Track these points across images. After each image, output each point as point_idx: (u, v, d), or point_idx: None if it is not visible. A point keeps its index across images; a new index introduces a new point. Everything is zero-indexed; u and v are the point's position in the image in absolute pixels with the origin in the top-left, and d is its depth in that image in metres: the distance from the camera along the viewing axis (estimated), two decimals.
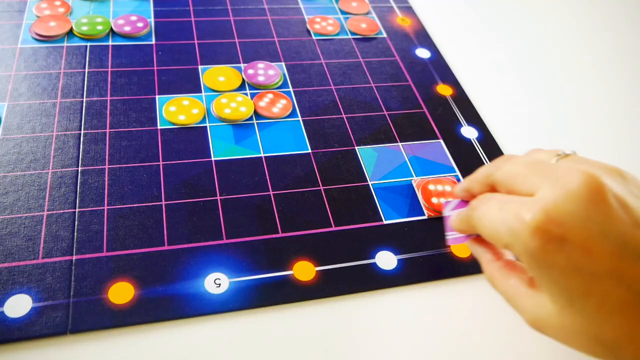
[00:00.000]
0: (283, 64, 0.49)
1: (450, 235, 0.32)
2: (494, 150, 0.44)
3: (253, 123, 0.43)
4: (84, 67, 0.45)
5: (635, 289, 0.22)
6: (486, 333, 0.33)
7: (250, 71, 0.47)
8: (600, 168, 0.25)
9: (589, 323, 0.23)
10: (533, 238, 0.23)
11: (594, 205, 0.23)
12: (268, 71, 0.48)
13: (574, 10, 0.64)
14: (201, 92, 0.45)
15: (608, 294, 0.22)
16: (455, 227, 0.31)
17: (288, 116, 0.44)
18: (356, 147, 0.43)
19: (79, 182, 0.37)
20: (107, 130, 0.41)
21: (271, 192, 0.38)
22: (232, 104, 0.44)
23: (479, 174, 0.30)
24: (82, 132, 0.40)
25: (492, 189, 0.29)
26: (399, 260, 0.35)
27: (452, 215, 0.32)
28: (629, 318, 0.22)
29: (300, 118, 0.44)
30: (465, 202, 0.32)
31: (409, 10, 0.59)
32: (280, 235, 0.36)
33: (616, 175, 0.25)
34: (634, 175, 0.26)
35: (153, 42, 0.49)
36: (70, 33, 0.49)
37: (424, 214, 0.38)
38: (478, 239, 0.31)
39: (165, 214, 0.36)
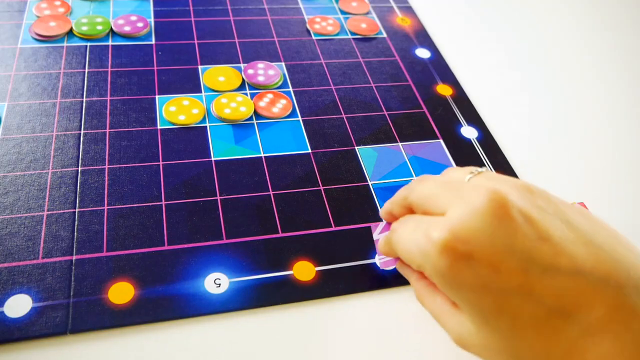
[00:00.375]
0: (283, 64, 0.49)
1: (381, 259, 0.33)
2: (494, 150, 0.44)
3: (253, 123, 0.43)
4: (84, 67, 0.45)
5: (545, 303, 0.22)
6: None
7: (250, 71, 0.47)
8: (507, 184, 0.25)
9: (506, 341, 0.23)
10: (441, 257, 0.23)
11: (499, 221, 0.23)
12: (268, 71, 0.48)
13: (574, 10, 0.64)
14: (201, 92, 0.45)
15: (519, 310, 0.22)
16: (381, 250, 0.31)
17: (288, 116, 0.44)
18: (356, 147, 0.43)
19: (79, 182, 0.37)
20: (107, 130, 0.41)
21: (271, 192, 0.38)
22: (232, 104, 0.44)
23: (397, 196, 0.30)
24: (82, 132, 0.40)
25: (411, 210, 0.29)
26: None
27: (380, 239, 0.32)
28: (542, 334, 0.22)
29: (300, 118, 0.44)
30: (390, 224, 0.32)
31: (409, 10, 0.59)
32: (280, 235, 0.36)
33: (523, 190, 0.25)
34: (542, 189, 0.26)
35: (153, 42, 0.49)
36: (70, 33, 0.49)
37: None
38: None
39: (165, 214, 0.36)
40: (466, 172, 0.28)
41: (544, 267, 0.22)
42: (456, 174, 0.28)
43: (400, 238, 0.27)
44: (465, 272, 0.23)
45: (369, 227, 0.37)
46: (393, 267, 0.33)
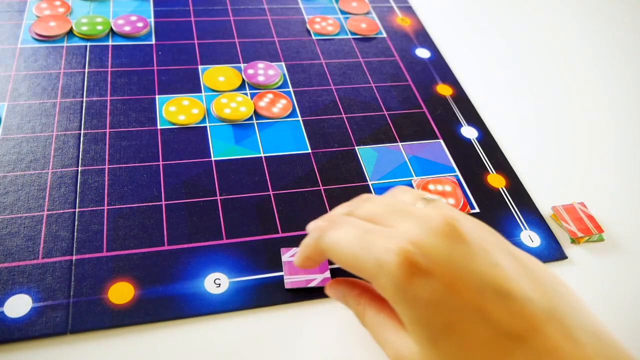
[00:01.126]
0: (283, 64, 0.49)
1: (289, 279, 0.33)
2: (494, 150, 0.44)
3: (253, 123, 0.43)
4: (84, 67, 0.45)
5: (495, 324, 0.22)
6: None
7: (250, 71, 0.47)
8: (460, 214, 0.26)
9: None
10: (400, 268, 0.23)
11: (457, 243, 0.23)
12: (268, 71, 0.48)
13: (574, 10, 0.64)
14: (201, 92, 0.45)
15: (470, 330, 0.22)
16: (302, 256, 0.28)
17: (288, 116, 0.44)
18: (356, 147, 0.43)
19: (79, 182, 0.37)
20: (107, 130, 0.41)
21: (271, 192, 0.38)
22: (232, 104, 0.44)
23: (336, 212, 0.29)
24: (82, 132, 0.40)
25: None
26: None
27: (294, 257, 0.30)
28: (491, 356, 0.22)
29: (300, 118, 0.44)
30: None
31: (409, 10, 0.59)
32: (280, 235, 0.36)
33: (475, 222, 0.26)
34: (491, 228, 0.27)
35: (153, 42, 0.49)
36: (70, 33, 0.49)
37: None
38: (338, 280, 0.30)
39: (165, 214, 0.36)
40: (418, 197, 0.27)
41: (497, 290, 0.23)
42: (406, 196, 0.28)
43: (344, 241, 0.25)
44: (421, 287, 0.23)
45: None
46: (302, 286, 0.33)
